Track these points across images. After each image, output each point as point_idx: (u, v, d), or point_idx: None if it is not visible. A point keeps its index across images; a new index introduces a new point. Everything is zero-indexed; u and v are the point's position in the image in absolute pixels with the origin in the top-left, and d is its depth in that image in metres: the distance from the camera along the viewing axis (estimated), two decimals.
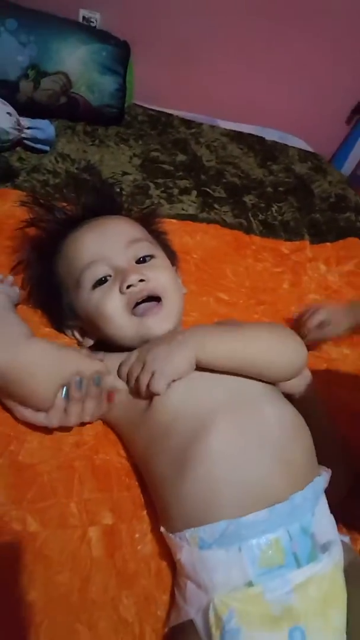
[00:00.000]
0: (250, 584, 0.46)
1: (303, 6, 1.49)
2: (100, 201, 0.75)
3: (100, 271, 0.62)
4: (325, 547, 0.49)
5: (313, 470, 0.55)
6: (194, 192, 1.20)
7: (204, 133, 1.49)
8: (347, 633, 0.46)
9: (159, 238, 0.76)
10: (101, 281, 0.62)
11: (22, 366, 0.53)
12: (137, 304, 0.61)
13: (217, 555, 0.48)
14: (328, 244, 1.15)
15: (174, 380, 0.55)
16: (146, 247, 0.66)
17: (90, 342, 0.67)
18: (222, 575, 0.47)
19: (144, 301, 0.61)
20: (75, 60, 1.21)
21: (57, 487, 0.55)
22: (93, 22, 1.40)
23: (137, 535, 0.55)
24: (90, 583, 0.50)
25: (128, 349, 0.62)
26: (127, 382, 0.59)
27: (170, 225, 0.86)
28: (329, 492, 0.55)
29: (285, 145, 1.59)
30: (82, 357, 0.57)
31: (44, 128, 1.08)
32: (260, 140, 1.57)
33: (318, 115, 1.75)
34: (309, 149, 1.66)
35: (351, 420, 0.72)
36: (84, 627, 0.48)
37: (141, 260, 0.65)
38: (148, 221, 0.77)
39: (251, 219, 1.18)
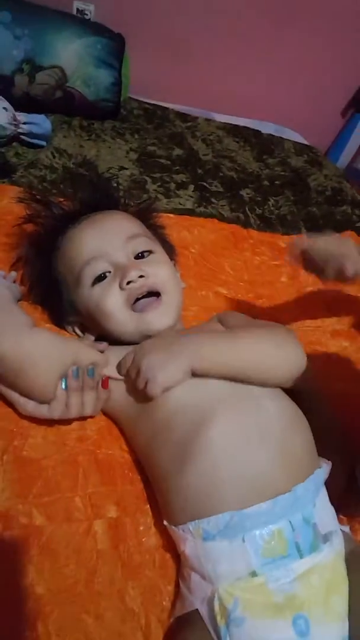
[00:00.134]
0: (253, 574, 0.47)
1: (298, 0, 1.48)
2: (98, 196, 0.75)
3: (99, 267, 0.63)
4: (326, 537, 0.50)
5: (313, 463, 0.56)
6: (191, 187, 1.20)
7: (200, 127, 1.49)
8: (349, 619, 0.47)
9: (157, 233, 0.77)
10: (101, 277, 0.63)
11: (25, 354, 0.53)
12: (137, 299, 0.62)
13: (220, 546, 0.48)
14: None
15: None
16: (145, 242, 0.67)
17: (91, 338, 0.68)
18: (226, 566, 0.48)
19: (143, 297, 0.62)
20: (70, 54, 1.20)
21: (61, 482, 0.56)
22: (87, 14, 1.39)
23: (141, 528, 0.56)
24: (97, 575, 0.51)
25: (129, 344, 0.62)
26: (125, 381, 0.59)
27: (168, 220, 0.87)
28: (329, 484, 0.55)
29: (281, 138, 1.59)
30: (82, 347, 0.57)
31: (40, 123, 1.08)
32: (256, 133, 1.56)
33: (314, 108, 1.75)
34: (305, 142, 1.66)
35: (350, 412, 0.72)
36: (90, 618, 0.48)
37: (140, 256, 0.65)
38: (146, 216, 0.77)
39: (248, 213, 1.18)
